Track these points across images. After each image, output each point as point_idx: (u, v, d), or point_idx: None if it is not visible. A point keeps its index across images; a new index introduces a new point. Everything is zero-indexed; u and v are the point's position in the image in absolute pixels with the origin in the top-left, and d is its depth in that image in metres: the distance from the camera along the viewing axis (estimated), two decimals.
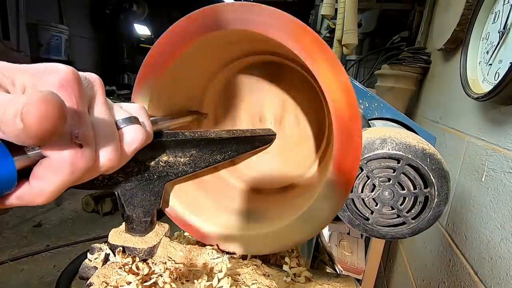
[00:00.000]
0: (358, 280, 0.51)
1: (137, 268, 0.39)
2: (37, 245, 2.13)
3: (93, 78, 0.26)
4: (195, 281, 0.38)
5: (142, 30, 4.74)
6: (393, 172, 0.40)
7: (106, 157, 0.26)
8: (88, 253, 0.42)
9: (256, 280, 0.39)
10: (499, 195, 0.66)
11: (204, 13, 0.37)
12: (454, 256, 0.83)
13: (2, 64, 0.21)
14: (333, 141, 0.37)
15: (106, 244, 0.42)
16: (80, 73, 0.25)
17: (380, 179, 0.41)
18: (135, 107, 0.32)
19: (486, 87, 0.73)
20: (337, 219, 0.43)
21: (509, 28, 0.65)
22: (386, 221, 0.42)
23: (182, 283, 0.38)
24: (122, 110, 0.29)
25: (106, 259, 0.41)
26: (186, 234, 0.53)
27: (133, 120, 0.29)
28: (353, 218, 0.43)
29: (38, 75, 0.22)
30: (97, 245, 0.43)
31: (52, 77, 0.22)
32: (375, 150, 0.40)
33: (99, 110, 0.26)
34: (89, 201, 2.63)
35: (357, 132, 0.35)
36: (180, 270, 0.40)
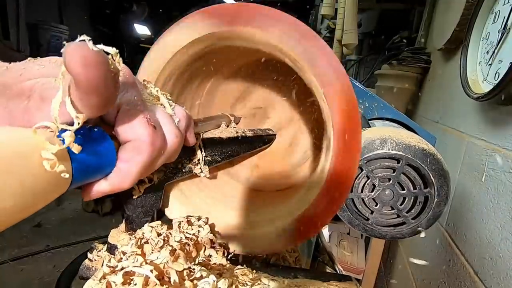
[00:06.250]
0: (358, 280, 0.51)
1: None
2: (37, 245, 2.13)
3: None
4: (194, 281, 0.37)
5: (142, 30, 4.74)
6: (393, 172, 0.40)
7: (172, 134, 0.28)
8: (88, 253, 0.42)
9: (255, 281, 0.39)
10: (499, 195, 0.66)
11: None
12: (454, 256, 0.83)
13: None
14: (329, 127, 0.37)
15: (106, 244, 0.42)
16: None
17: (380, 179, 0.41)
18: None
19: (486, 87, 0.73)
20: (337, 219, 0.43)
21: (509, 28, 0.65)
22: (386, 221, 0.42)
23: (180, 284, 0.38)
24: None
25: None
26: None
27: (173, 103, 0.31)
28: (353, 218, 0.43)
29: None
30: (97, 245, 0.43)
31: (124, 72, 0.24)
32: (375, 150, 0.40)
33: (145, 96, 0.29)
34: (89, 201, 2.63)
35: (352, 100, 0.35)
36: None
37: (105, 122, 0.25)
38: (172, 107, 0.30)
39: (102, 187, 0.24)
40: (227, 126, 0.49)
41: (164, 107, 0.29)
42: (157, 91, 0.30)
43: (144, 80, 0.31)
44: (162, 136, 0.26)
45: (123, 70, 0.25)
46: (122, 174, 0.24)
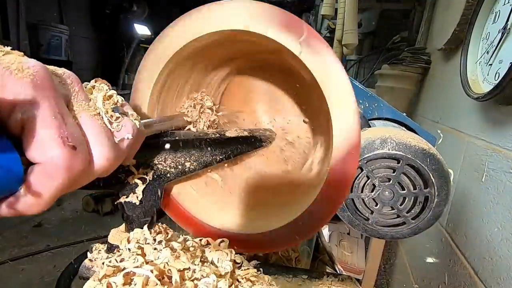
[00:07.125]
0: (358, 280, 0.52)
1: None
2: (37, 245, 2.13)
3: (66, 74, 0.24)
4: (195, 281, 0.37)
5: (142, 30, 4.74)
6: (393, 172, 0.40)
7: (102, 156, 0.24)
8: (88, 253, 0.42)
9: (255, 281, 0.39)
10: (499, 195, 0.66)
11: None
12: (454, 256, 0.83)
13: None
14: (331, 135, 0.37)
15: (106, 244, 0.42)
16: (50, 67, 0.23)
17: (380, 179, 0.41)
18: (120, 101, 0.30)
19: (486, 87, 0.73)
20: (337, 219, 0.43)
21: (509, 28, 0.65)
22: (386, 221, 0.42)
23: (181, 284, 0.38)
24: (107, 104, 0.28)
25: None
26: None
27: (121, 112, 0.27)
28: (353, 218, 0.43)
29: (6, 74, 0.19)
30: (97, 245, 0.43)
31: (23, 75, 0.20)
32: (375, 150, 0.40)
33: (81, 107, 0.24)
34: (89, 201, 2.63)
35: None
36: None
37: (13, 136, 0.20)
38: (118, 121, 0.26)
39: (3, 210, 0.20)
40: (183, 128, 0.47)
41: (103, 121, 0.25)
42: (102, 100, 0.26)
43: (93, 87, 0.27)
44: (84, 158, 0.22)
45: (34, 74, 0.20)
46: (31, 199, 0.20)
